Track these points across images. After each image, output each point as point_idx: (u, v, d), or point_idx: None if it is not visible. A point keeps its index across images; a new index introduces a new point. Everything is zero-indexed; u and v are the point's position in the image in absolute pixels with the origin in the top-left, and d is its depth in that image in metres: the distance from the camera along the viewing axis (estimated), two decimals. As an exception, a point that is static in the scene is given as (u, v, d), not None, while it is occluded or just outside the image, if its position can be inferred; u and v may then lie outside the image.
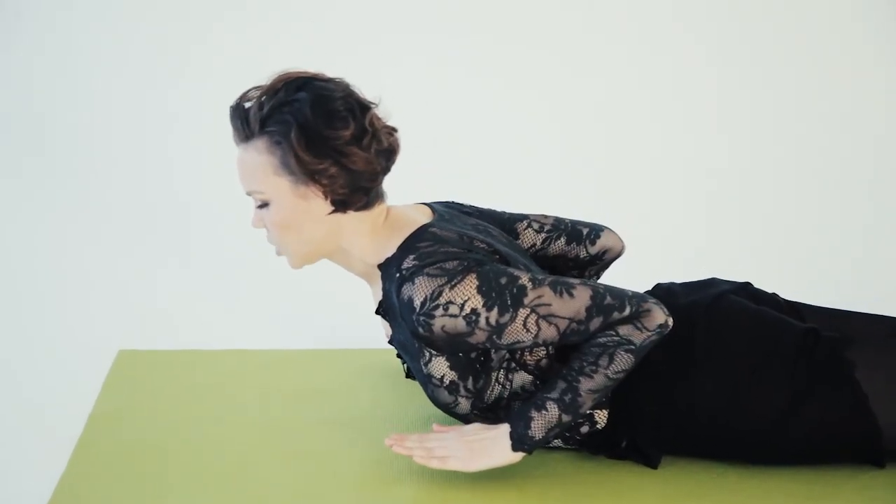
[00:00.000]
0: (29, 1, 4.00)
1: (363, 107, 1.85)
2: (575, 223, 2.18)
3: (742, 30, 4.14)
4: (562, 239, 2.16)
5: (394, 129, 1.90)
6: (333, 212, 1.87)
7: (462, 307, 1.79)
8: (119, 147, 3.79)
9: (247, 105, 1.84)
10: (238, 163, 1.87)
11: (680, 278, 2.14)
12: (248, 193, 1.88)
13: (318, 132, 1.80)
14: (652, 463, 1.95)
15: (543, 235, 2.15)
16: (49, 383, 2.54)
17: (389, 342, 1.99)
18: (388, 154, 1.88)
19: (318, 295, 2.94)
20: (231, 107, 1.85)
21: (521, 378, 1.92)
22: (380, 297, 1.94)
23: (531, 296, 1.81)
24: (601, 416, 1.94)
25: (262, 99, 1.82)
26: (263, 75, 1.86)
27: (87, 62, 3.98)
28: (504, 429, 1.85)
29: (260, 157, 1.83)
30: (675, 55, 4.08)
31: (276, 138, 1.81)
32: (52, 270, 3.14)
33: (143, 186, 3.64)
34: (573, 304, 1.81)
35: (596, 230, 2.18)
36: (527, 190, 3.47)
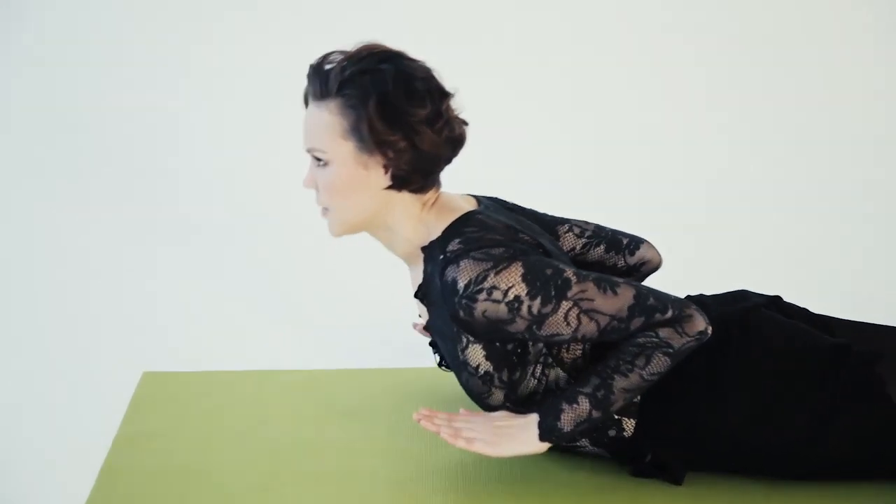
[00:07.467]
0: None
1: (442, 92, 1.87)
2: (615, 232, 2.19)
3: (777, 46, 4.16)
4: (601, 246, 2.16)
5: (465, 122, 1.91)
6: (389, 187, 1.88)
7: (506, 293, 1.79)
8: (145, 169, 3.80)
9: (327, 66, 1.85)
10: (306, 119, 1.89)
11: (709, 291, 2.14)
12: (309, 150, 1.89)
13: (396, 105, 1.81)
14: (676, 479, 1.94)
15: (584, 241, 2.16)
16: (74, 406, 2.52)
17: (424, 328, 1.99)
18: (455, 144, 1.90)
19: (340, 315, 2.94)
20: (311, 65, 1.87)
21: (556, 374, 1.91)
22: (419, 281, 1.94)
23: (575, 289, 1.81)
24: (629, 425, 1.93)
25: (345, 63, 1.84)
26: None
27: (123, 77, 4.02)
28: (533, 418, 1.85)
29: (331, 117, 1.84)
30: (707, 69, 4.11)
31: (351, 102, 1.82)
32: (76, 292, 3.14)
33: (168, 207, 3.65)
34: (616, 301, 1.81)
35: (636, 241, 2.19)
36: (549, 205, 3.49)
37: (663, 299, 1.83)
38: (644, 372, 1.81)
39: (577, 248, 2.16)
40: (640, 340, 1.82)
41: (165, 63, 4.09)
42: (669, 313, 1.81)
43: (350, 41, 1.88)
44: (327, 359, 2.68)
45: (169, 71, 4.11)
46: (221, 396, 2.31)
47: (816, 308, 2.11)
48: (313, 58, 1.88)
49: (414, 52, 1.89)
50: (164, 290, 3.15)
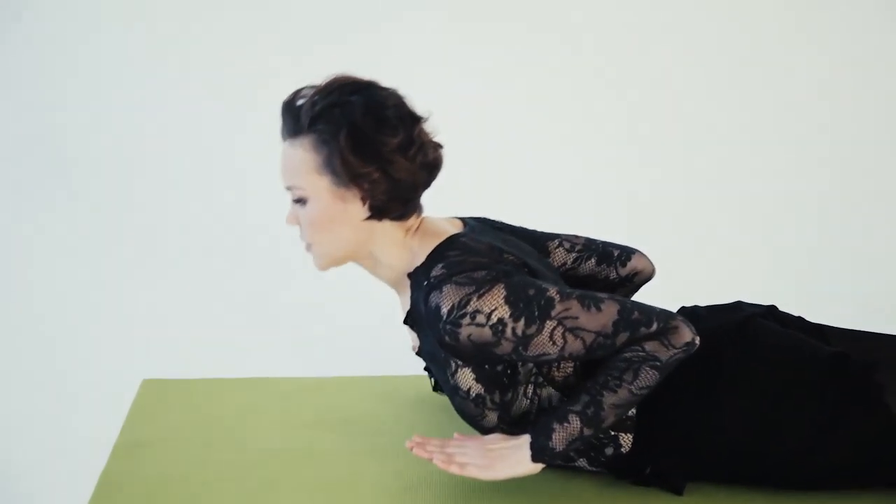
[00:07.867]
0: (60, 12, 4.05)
1: (414, 118, 1.87)
2: (606, 244, 2.18)
3: (778, 59, 4.12)
4: (592, 259, 2.16)
5: (439, 145, 1.91)
6: (369, 218, 1.88)
7: (489, 317, 1.79)
8: (144, 177, 3.81)
9: (298, 102, 1.86)
10: (282, 157, 1.89)
11: (703, 302, 2.13)
12: (287, 188, 1.90)
13: (367, 136, 1.82)
14: (677, 490, 1.93)
15: (574, 255, 2.16)
16: (74, 413, 2.55)
17: (417, 353, 1.99)
18: (431, 168, 1.90)
19: (339, 323, 2.94)
20: (283, 102, 1.88)
21: (549, 393, 1.91)
22: (408, 307, 1.95)
23: (558, 308, 1.80)
24: (626, 440, 1.93)
25: (315, 98, 1.84)
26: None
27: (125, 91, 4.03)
28: (525, 439, 1.84)
29: (305, 153, 1.85)
30: (704, 78, 4.07)
31: (324, 137, 1.83)
32: (77, 300, 3.16)
33: (168, 217, 3.66)
34: (600, 318, 1.81)
35: (627, 252, 2.18)
36: (548, 214, 3.49)
37: (648, 312, 1.82)
38: (633, 387, 1.81)
39: (569, 262, 2.15)
40: (627, 355, 1.81)
41: (161, 65, 4.08)
42: (654, 326, 1.81)
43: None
44: (327, 366, 2.69)
45: (164, 74, 4.10)
46: (221, 403, 2.32)
47: (812, 317, 2.09)
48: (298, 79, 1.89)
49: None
50: (164, 297, 3.16)
